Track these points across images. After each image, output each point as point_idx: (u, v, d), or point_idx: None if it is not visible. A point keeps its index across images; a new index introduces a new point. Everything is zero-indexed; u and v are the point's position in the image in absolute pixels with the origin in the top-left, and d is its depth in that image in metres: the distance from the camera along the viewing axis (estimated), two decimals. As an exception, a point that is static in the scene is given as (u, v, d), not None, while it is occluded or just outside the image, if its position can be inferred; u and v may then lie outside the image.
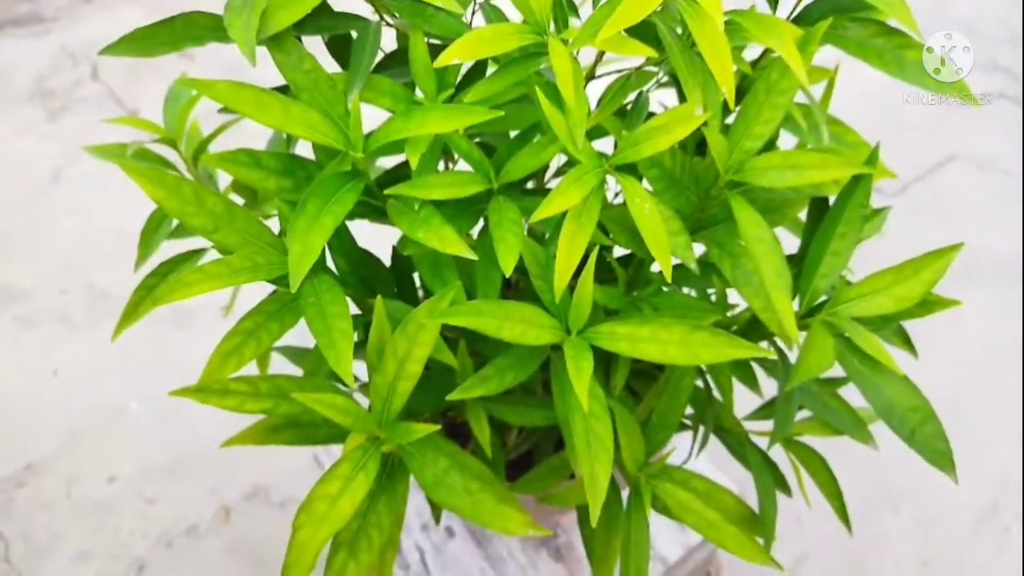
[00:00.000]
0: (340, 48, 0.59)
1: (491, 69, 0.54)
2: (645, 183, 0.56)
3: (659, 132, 0.48)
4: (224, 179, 0.67)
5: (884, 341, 0.61)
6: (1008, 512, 1.51)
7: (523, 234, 0.50)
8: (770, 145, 0.58)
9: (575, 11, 0.56)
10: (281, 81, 0.51)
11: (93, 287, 1.89)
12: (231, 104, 0.45)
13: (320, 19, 0.48)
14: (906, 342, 0.63)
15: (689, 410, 0.67)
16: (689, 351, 0.49)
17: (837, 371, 0.60)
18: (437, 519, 0.66)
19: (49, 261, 1.96)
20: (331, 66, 0.56)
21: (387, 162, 0.62)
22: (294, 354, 0.70)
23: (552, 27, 0.48)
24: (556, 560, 0.97)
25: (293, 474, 1.55)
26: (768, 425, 0.72)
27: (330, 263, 0.58)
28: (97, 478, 1.57)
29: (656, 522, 1.02)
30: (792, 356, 0.60)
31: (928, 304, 0.58)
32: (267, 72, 0.56)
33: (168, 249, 0.79)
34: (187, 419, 1.65)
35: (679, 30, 0.53)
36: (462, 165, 0.57)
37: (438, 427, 0.48)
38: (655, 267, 0.66)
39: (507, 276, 0.48)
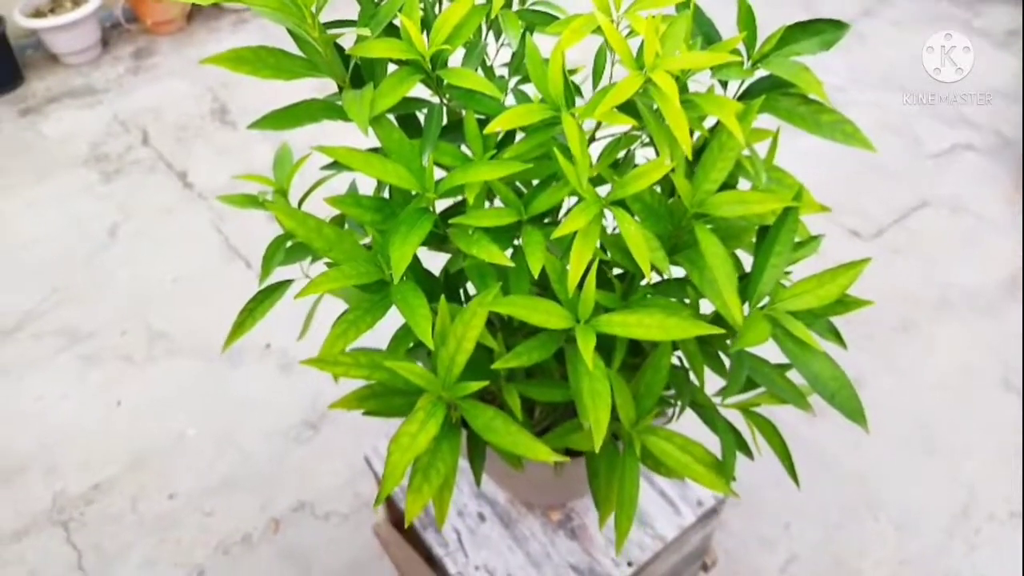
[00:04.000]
0: (403, 119, 0.80)
1: (519, 135, 0.75)
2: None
3: (640, 177, 0.69)
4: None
5: (818, 335, 0.81)
6: (979, 515, 1.68)
7: (546, 250, 0.70)
8: (726, 187, 0.79)
9: (580, 92, 0.77)
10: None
11: (151, 328, 2.09)
12: (348, 163, 0.65)
13: (402, 102, 0.69)
14: (836, 336, 0.83)
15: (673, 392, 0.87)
16: (665, 330, 0.68)
17: (783, 358, 0.79)
18: (478, 481, 0.84)
19: (109, 306, 2.16)
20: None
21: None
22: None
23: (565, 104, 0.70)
24: (571, 539, 1.15)
25: (333, 491, 1.74)
26: (732, 401, 0.91)
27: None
28: (159, 495, 1.75)
29: (654, 505, 1.21)
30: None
31: (845, 303, 0.77)
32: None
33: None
34: (239, 444, 1.84)
35: (655, 106, 0.74)
36: (498, 204, 0.78)
37: (487, 383, 0.67)
38: (643, 282, 0.86)
39: (534, 280, 0.68)
